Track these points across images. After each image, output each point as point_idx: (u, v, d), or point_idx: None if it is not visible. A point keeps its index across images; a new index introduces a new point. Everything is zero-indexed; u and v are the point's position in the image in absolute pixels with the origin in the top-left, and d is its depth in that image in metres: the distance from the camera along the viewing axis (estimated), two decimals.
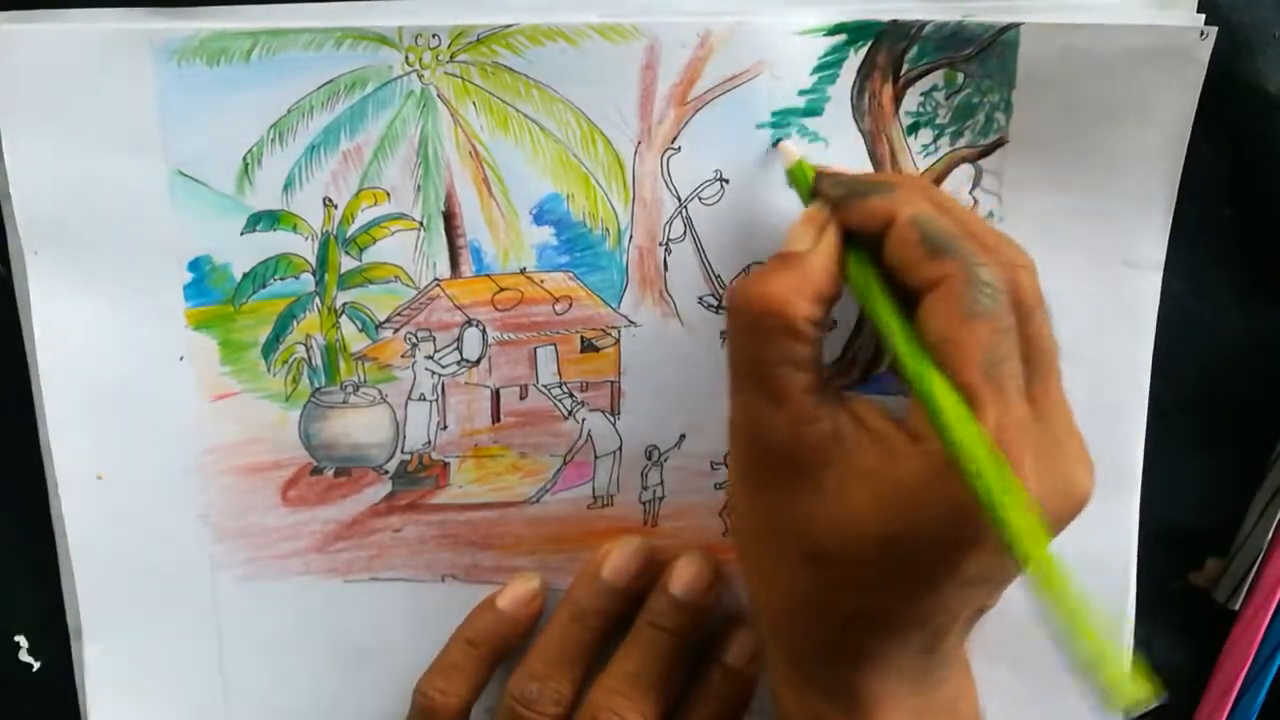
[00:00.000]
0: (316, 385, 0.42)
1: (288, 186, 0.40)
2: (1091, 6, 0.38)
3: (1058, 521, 0.33)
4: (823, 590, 0.34)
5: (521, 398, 0.43)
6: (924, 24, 0.39)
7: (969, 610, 0.35)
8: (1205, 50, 0.38)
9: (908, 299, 0.34)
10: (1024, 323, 0.33)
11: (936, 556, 0.32)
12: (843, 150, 0.40)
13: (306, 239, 0.41)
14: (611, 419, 0.43)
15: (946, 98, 0.40)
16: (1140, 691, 0.26)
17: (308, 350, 0.42)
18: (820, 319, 0.34)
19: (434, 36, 0.39)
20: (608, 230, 0.41)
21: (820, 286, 0.34)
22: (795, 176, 0.38)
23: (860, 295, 0.35)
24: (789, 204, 0.40)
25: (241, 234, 0.40)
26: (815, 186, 0.37)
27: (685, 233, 0.41)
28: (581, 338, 0.42)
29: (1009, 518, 0.28)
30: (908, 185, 0.35)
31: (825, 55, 0.39)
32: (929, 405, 0.31)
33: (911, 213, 0.34)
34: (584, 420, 0.43)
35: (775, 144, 0.40)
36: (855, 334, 0.42)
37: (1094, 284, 0.40)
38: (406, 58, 0.39)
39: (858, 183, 0.36)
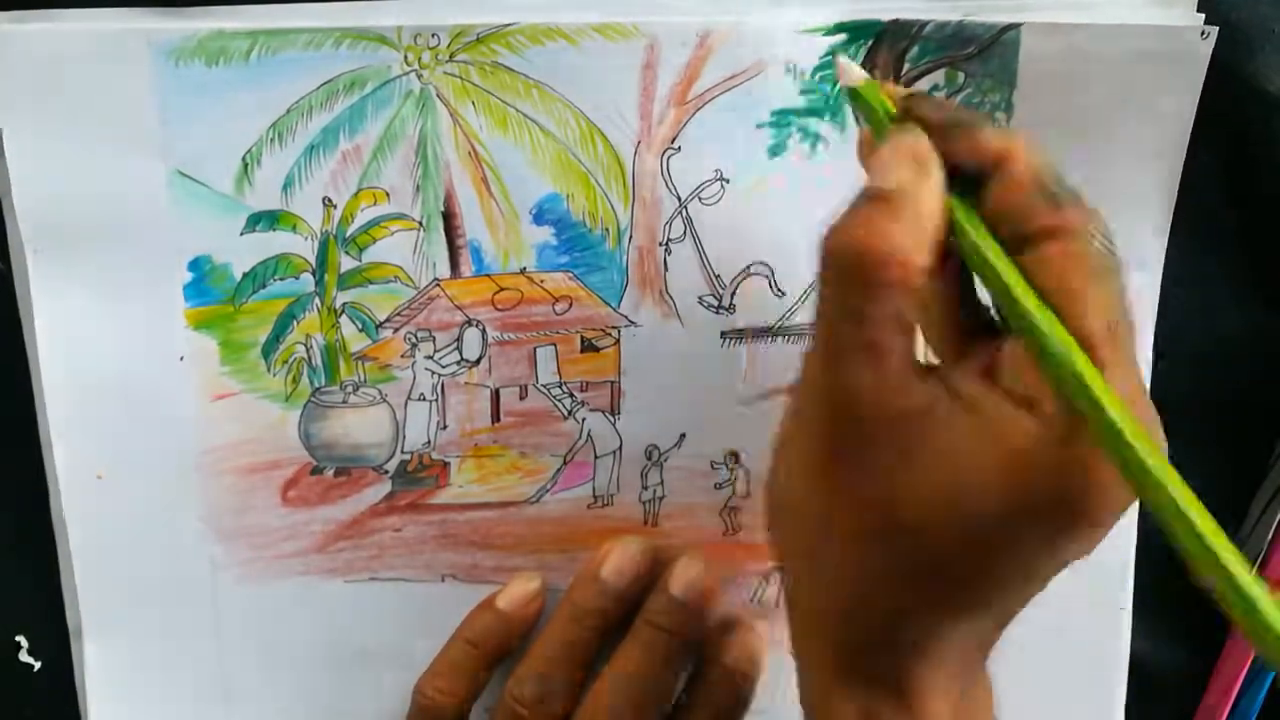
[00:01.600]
0: (316, 385, 0.42)
1: (287, 186, 0.40)
2: (1092, 6, 0.38)
3: None
4: (894, 571, 0.31)
5: (521, 398, 0.43)
6: (925, 23, 0.39)
7: (1035, 594, 0.32)
8: (1206, 50, 0.38)
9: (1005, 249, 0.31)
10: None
11: (1041, 534, 0.29)
12: (843, 150, 0.40)
13: (306, 239, 0.41)
14: (611, 419, 0.43)
15: (947, 97, 0.40)
16: None
17: (308, 350, 0.42)
18: (932, 268, 0.30)
19: (433, 36, 0.39)
20: (607, 230, 0.41)
21: (936, 231, 0.30)
22: (863, 98, 0.33)
23: (963, 237, 0.31)
24: (789, 204, 0.40)
25: (241, 234, 0.40)
26: (908, 108, 0.32)
27: (685, 233, 0.41)
28: (581, 338, 0.42)
29: (1161, 482, 0.26)
30: (1009, 128, 0.32)
31: (826, 55, 0.39)
32: (1058, 361, 0.28)
33: (1033, 155, 0.30)
34: (584, 420, 0.43)
35: (830, 55, 0.37)
36: None
37: None
38: (406, 57, 0.39)
39: (963, 112, 0.32)
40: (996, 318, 0.32)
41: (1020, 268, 0.30)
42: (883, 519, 0.31)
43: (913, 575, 0.31)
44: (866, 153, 0.34)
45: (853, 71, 0.33)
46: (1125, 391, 0.28)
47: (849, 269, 0.30)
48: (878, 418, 0.30)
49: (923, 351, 0.34)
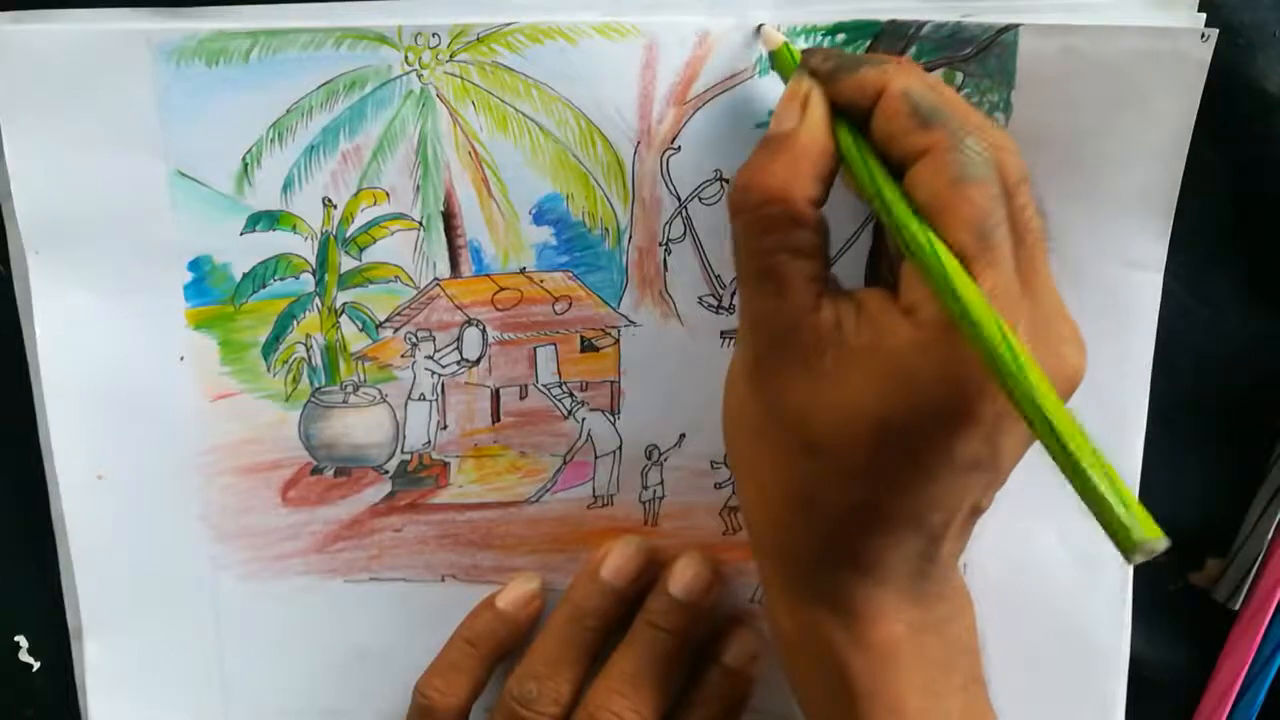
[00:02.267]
0: (316, 385, 0.42)
1: (287, 186, 0.40)
2: (1091, 7, 0.38)
3: None
4: (817, 482, 0.34)
5: (521, 397, 0.43)
6: (923, 24, 0.39)
7: (964, 507, 0.34)
8: (1206, 51, 0.38)
9: (893, 173, 0.33)
10: (1009, 201, 0.32)
11: (930, 435, 0.32)
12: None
13: (306, 239, 0.41)
14: (611, 419, 0.43)
15: None
16: (1154, 533, 0.26)
17: (308, 350, 0.42)
18: (820, 198, 0.34)
19: (433, 36, 0.39)
20: (607, 230, 0.41)
21: (816, 163, 0.34)
22: (780, 59, 0.37)
23: (850, 161, 0.34)
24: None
25: (241, 234, 0.41)
26: (805, 62, 0.36)
27: (685, 233, 0.41)
28: (581, 337, 0.42)
29: (1015, 372, 0.28)
30: (896, 60, 0.35)
31: None
32: (926, 263, 0.31)
33: (903, 84, 0.33)
34: (584, 420, 0.43)
35: (758, 30, 0.39)
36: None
37: (1094, 284, 0.40)
38: (406, 57, 0.39)
39: (849, 57, 0.35)
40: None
41: (903, 189, 0.33)
42: (800, 431, 0.33)
43: (837, 484, 0.33)
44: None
45: (773, 37, 0.38)
46: (1000, 289, 0.31)
47: (744, 209, 0.34)
48: (786, 336, 0.33)
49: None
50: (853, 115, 0.34)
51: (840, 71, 0.34)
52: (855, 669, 0.34)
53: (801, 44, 0.39)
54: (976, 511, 0.35)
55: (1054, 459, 0.27)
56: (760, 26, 0.39)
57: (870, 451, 0.32)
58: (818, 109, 0.34)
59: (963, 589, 0.37)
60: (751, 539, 0.38)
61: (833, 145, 0.34)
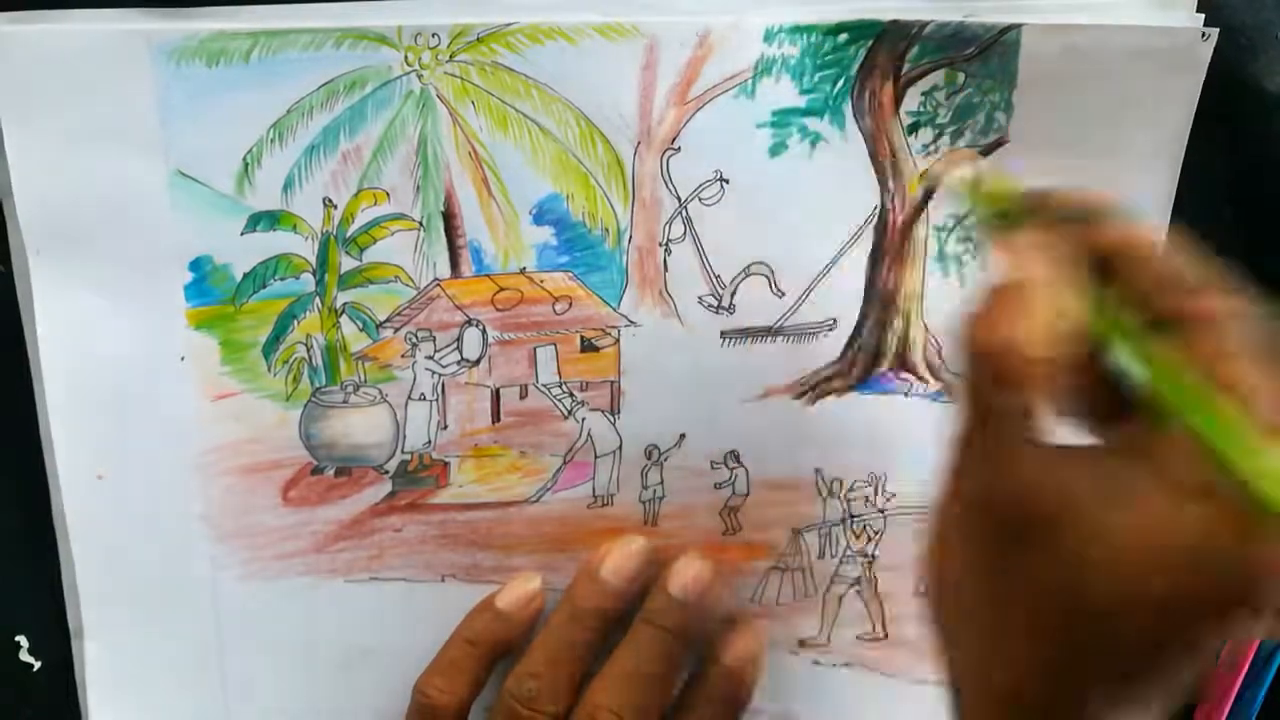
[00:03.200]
0: (317, 385, 0.42)
1: (288, 187, 0.40)
2: (1092, 7, 0.38)
3: None
4: (1074, 654, 0.31)
5: (521, 397, 0.43)
6: (925, 24, 0.39)
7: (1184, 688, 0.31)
8: (1206, 51, 0.38)
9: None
10: None
11: (1212, 616, 0.29)
12: (843, 150, 0.40)
13: (306, 239, 0.41)
14: (611, 419, 0.43)
15: (947, 97, 0.40)
16: None
17: (308, 350, 0.42)
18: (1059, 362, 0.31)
19: (433, 36, 0.39)
20: (607, 230, 0.41)
21: (1066, 326, 0.31)
22: (992, 197, 0.34)
23: (1099, 327, 0.31)
24: (789, 204, 0.40)
25: (242, 234, 0.40)
26: (1032, 203, 0.33)
27: (685, 233, 0.41)
28: (581, 337, 0.42)
29: None
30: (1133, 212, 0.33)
31: (826, 55, 0.39)
32: (1239, 454, 0.27)
33: (1160, 239, 0.31)
34: (584, 420, 0.43)
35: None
36: (856, 334, 0.42)
37: None
38: (406, 58, 0.39)
39: (1088, 203, 0.32)
40: (1136, 397, 0.31)
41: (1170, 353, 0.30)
42: (1065, 606, 0.30)
43: (1090, 661, 0.31)
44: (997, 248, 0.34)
45: (969, 173, 0.36)
46: None
47: (992, 360, 0.30)
48: (1028, 503, 0.30)
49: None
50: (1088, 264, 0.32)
51: (1084, 217, 0.32)
52: None
53: (801, 43, 0.39)
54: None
55: None
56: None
57: (1142, 629, 0.29)
58: (1072, 265, 0.31)
59: None
60: (965, 706, 0.34)
61: (1078, 309, 0.31)
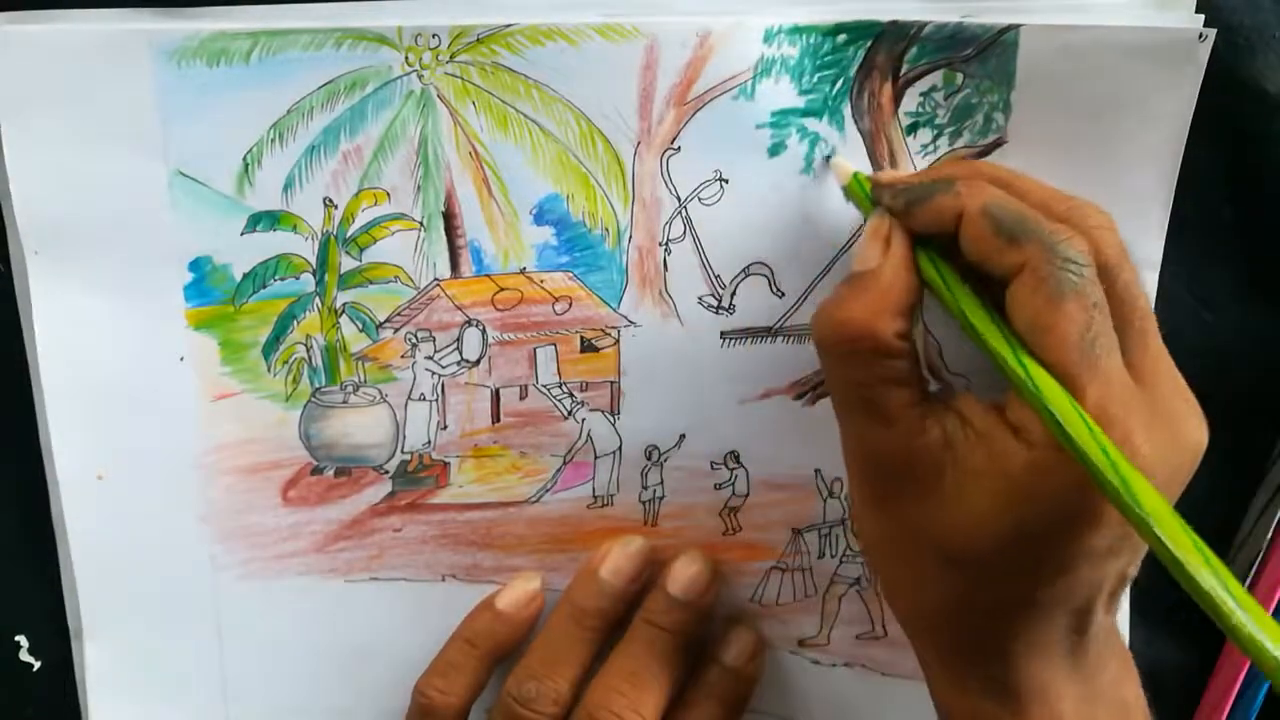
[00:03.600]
0: (317, 385, 0.42)
1: (288, 187, 0.40)
2: (1091, 8, 0.38)
3: (1176, 479, 0.33)
4: (961, 590, 0.34)
5: (521, 398, 0.43)
6: (923, 25, 0.39)
7: (1110, 582, 0.34)
8: (1204, 51, 0.38)
9: (990, 291, 0.34)
10: (1111, 284, 0.33)
11: (1063, 540, 0.32)
12: (842, 150, 0.40)
13: (306, 239, 0.41)
14: (611, 419, 0.43)
15: (945, 98, 0.40)
16: None
17: (308, 350, 0.42)
18: (907, 331, 0.34)
19: (434, 36, 0.39)
20: (607, 230, 0.41)
21: (900, 299, 0.34)
22: (852, 191, 0.38)
23: (938, 293, 0.35)
24: (789, 204, 0.40)
25: (242, 234, 0.41)
26: (874, 198, 0.37)
27: (685, 233, 0.41)
28: (581, 338, 0.42)
29: (1124, 493, 0.29)
30: (967, 174, 0.35)
31: (825, 56, 0.39)
32: (1024, 388, 0.31)
33: (980, 203, 0.33)
34: (584, 420, 0.43)
35: (826, 160, 0.40)
36: None
37: None
38: (406, 58, 0.39)
39: (918, 187, 0.35)
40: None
41: (1001, 308, 0.33)
42: (936, 549, 0.34)
43: (980, 589, 0.34)
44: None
45: (843, 170, 0.39)
46: (1108, 396, 0.31)
47: (834, 346, 0.35)
48: (901, 464, 0.34)
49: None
50: (939, 241, 0.35)
51: (914, 204, 0.35)
52: None
53: (800, 44, 0.39)
54: (1124, 580, 0.35)
55: (1176, 576, 0.28)
56: (829, 158, 0.40)
57: (1008, 558, 0.33)
58: (899, 246, 0.35)
59: (1122, 649, 0.36)
60: (907, 633, 0.38)
61: (916, 279, 0.35)
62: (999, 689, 0.34)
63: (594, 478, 0.43)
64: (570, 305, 0.42)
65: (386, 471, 0.43)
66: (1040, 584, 0.33)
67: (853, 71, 0.39)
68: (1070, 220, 0.33)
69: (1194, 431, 0.33)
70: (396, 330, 0.42)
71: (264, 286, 0.41)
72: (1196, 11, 0.38)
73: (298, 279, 0.41)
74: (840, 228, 0.41)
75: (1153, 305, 0.41)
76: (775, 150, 0.40)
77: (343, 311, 0.42)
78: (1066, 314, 0.31)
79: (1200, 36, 0.38)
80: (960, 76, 0.39)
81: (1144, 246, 0.40)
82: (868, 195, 0.37)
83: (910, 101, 0.40)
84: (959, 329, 0.34)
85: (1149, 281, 0.41)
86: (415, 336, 0.42)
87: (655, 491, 0.43)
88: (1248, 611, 0.27)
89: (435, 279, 0.41)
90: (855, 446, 0.36)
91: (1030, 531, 0.32)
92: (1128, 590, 0.43)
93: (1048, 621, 0.34)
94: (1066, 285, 0.32)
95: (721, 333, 0.42)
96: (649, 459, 0.43)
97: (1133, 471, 0.29)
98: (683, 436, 0.43)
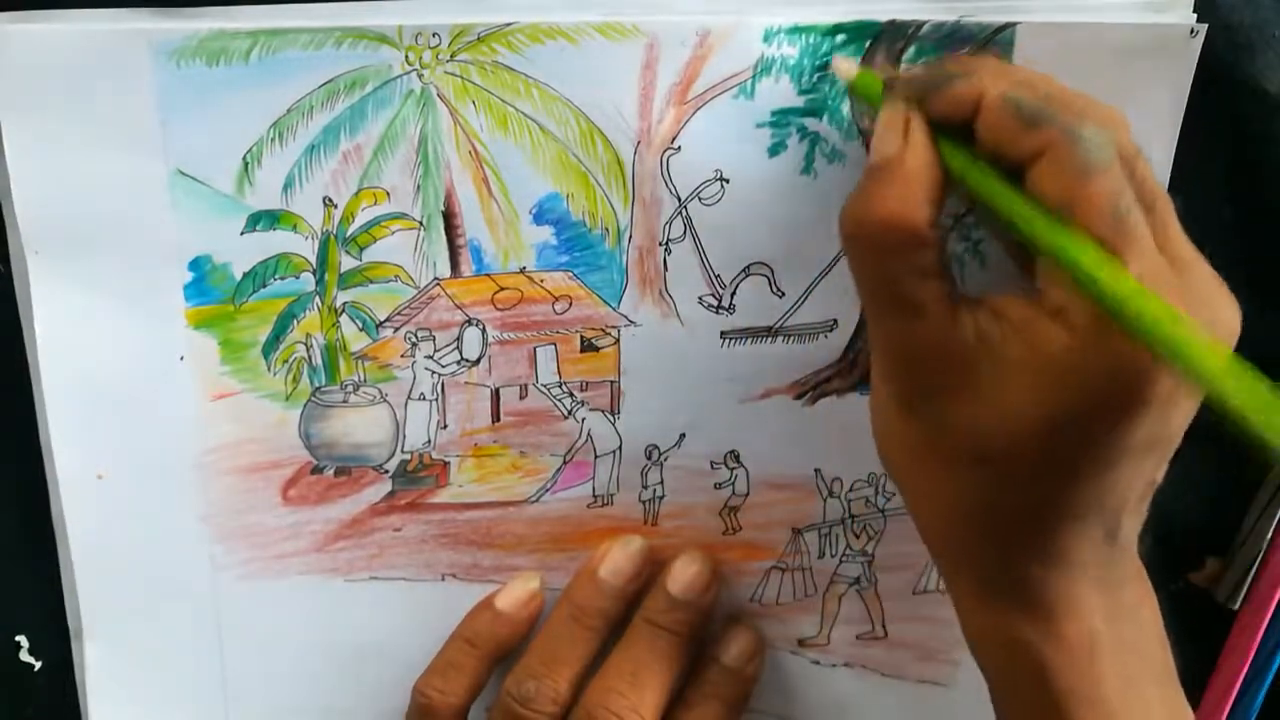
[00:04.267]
0: (317, 385, 0.42)
1: (288, 186, 0.40)
2: (1088, 6, 0.39)
3: None
4: (995, 489, 0.33)
5: (521, 397, 0.43)
6: (921, 24, 0.39)
7: (1140, 484, 0.34)
8: (1195, 47, 0.38)
9: (1011, 178, 0.33)
10: (1130, 176, 0.32)
11: (1104, 427, 0.31)
12: (842, 149, 0.40)
13: (306, 238, 0.41)
14: (611, 419, 0.43)
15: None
16: None
17: (308, 350, 0.42)
18: (936, 219, 0.33)
19: (434, 35, 0.39)
20: (607, 230, 0.41)
21: (927, 185, 0.33)
22: (861, 88, 0.37)
23: (965, 178, 0.33)
24: (789, 204, 0.40)
25: (241, 234, 0.41)
26: (890, 89, 0.35)
27: (685, 232, 0.41)
28: (581, 337, 0.42)
29: (1189, 352, 0.28)
30: (984, 65, 0.34)
31: (825, 55, 0.39)
32: (1071, 264, 0.30)
33: (999, 90, 0.33)
34: (584, 420, 0.43)
35: (825, 67, 0.39)
36: (857, 335, 0.42)
37: None
38: (406, 57, 0.39)
39: (934, 75, 0.34)
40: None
41: (1025, 192, 0.32)
42: (970, 447, 0.33)
43: (1015, 488, 0.33)
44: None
45: (845, 66, 0.38)
46: (1147, 270, 0.30)
47: (863, 241, 0.34)
48: (935, 359, 0.33)
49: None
50: (954, 130, 0.34)
51: (931, 90, 0.34)
52: (1054, 666, 0.34)
53: (800, 44, 0.39)
54: (1152, 485, 0.34)
55: (1240, 428, 0.27)
56: (830, 62, 0.39)
57: (1044, 453, 0.32)
58: (919, 132, 0.34)
59: (1142, 572, 0.36)
60: (933, 551, 0.37)
61: (940, 167, 0.34)
62: (1028, 601, 0.34)
63: (594, 477, 0.43)
64: (570, 305, 0.42)
65: (386, 471, 0.43)
66: (1076, 482, 0.32)
67: None
68: (1087, 114, 0.32)
69: (1228, 311, 0.33)
70: (396, 330, 0.42)
71: (264, 286, 0.41)
72: (1195, 11, 0.38)
73: (298, 278, 0.41)
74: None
75: None
76: (775, 150, 0.40)
77: (343, 311, 0.42)
78: (1098, 186, 0.31)
79: (1191, 32, 0.38)
80: None
81: None
82: (877, 91, 0.36)
83: None
84: (978, 235, 0.33)
85: None
86: (415, 336, 0.42)
87: (655, 491, 0.43)
88: None
89: (435, 278, 0.41)
90: (886, 344, 0.35)
91: (1070, 422, 0.31)
92: None
93: (1080, 526, 0.33)
94: (1093, 160, 0.31)
95: (721, 332, 0.42)
96: (649, 458, 0.43)
97: (1192, 329, 0.28)
98: (683, 436, 0.43)
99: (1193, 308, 0.31)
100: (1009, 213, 0.32)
